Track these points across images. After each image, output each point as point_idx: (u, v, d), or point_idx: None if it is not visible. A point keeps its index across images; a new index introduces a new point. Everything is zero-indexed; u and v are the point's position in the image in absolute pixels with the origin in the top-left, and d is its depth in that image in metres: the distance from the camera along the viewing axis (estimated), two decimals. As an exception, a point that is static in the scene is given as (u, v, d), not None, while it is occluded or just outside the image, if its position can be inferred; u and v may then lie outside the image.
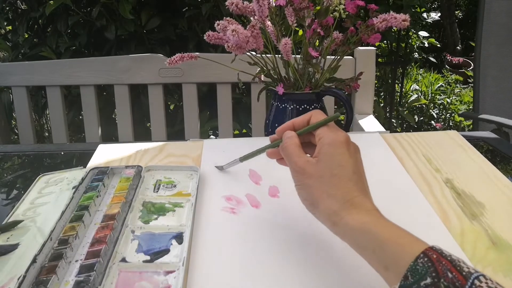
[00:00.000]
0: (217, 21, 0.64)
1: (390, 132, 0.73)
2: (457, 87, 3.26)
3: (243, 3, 0.64)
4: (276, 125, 0.71)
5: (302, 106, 0.69)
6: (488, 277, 0.28)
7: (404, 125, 2.50)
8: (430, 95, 2.92)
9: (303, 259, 0.42)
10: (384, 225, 0.34)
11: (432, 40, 2.49)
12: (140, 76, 1.12)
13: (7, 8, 1.52)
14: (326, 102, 0.74)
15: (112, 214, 0.48)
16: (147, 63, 1.11)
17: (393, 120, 2.33)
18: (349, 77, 0.70)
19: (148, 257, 0.42)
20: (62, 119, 1.16)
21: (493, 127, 1.45)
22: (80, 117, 1.49)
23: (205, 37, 0.66)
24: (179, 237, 0.45)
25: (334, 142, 0.39)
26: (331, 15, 0.66)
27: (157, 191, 0.54)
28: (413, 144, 0.68)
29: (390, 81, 2.35)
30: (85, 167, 0.61)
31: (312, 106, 0.69)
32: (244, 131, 1.52)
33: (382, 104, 2.40)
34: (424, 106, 2.73)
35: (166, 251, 0.43)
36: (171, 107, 1.70)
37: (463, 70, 3.50)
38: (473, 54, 1.72)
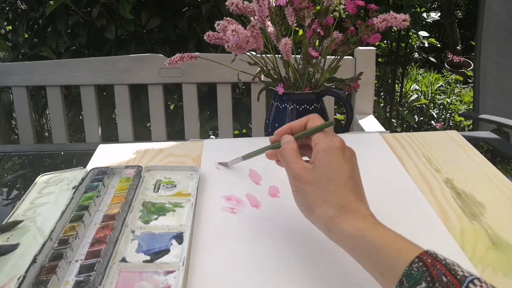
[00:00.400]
0: (217, 21, 0.64)
1: (390, 132, 0.72)
2: (457, 87, 3.26)
3: (243, 3, 0.64)
4: (276, 125, 0.71)
5: (302, 106, 0.69)
6: (482, 280, 0.28)
7: (404, 125, 2.50)
8: (430, 95, 2.92)
9: (303, 259, 0.42)
10: (379, 230, 0.35)
11: (432, 40, 2.49)
12: (140, 76, 1.12)
13: (7, 8, 1.52)
14: (326, 102, 0.74)
15: (112, 214, 0.48)
16: (147, 63, 1.11)
17: (393, 120, 2.33)
18: (349, 77, 0.70)
19: (148, 257, 0.42)
20: (62, 119, 1.16)
21: (493, 127, 1.45)
22: (80, 117, 1.49)
23: (205, 37, 0.66)
24: (179, 237, 0.45)
25: (329, 148, 0.40)
26: (331, 15, 0.66)
27: (157, 191, 0.54)
28: (413, 144, 0.68)
29: (390, 81, 2.35)
30: (85, 167, 0.61)
31: (312, 106, 0.70)
32: (244, 131, 1.52)
33: (382, 104, 2.40)
34: (424, 106, 2.73)
35: (166, 251, 0.43)
36: (171, 107, 1.70)
37: (463, 70, 3.50)
38: (473, 54, 1.72)
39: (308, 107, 0.69)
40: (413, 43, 2.35)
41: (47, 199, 0.53)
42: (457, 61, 3.66)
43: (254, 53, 0.69)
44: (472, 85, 2.16)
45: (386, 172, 0.59)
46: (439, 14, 2.17)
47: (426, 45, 2.39)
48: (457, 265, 0.30)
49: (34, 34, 1.53)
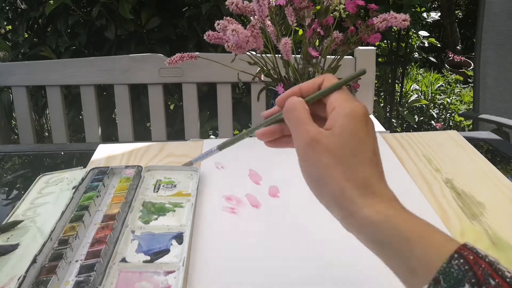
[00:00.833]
0: (217, 21, 0.64)
1: (390, 132, 0.72)
2: (457, 87, 3.26)
3: (243, 3, 0.64)
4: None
5: (302, 106, 0.69)
6: None
7: (404, 125, 2.50)
8: (430, 95, 2.92)
9: (303, 258, 0.42)
10: (409, 219, 0.29)
11: (432, 40, 2.49)
12: (140, 76, 1.12)
13: (7, 8, 1.52)
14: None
15: (112, 214, 0.48)
16: (147, 63, 1.11)
17: (393, 120, 2.33)
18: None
19: (148, 257, 0.42)
20: (62, 119, 1.16)
21: (493, 127, 1.45)
22: (80, 117, 1.49)
23: (205, 37, 0.66)
24: (179, 237, 0.45)
25: (353, 113, 0.32)
26: (331, 15, 0.66)
27: (157, 191, 0.54)
28: (413, 144, 0.68)
29: (390, 81, 2.35)
30: (85, 167, 0.61)
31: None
32: (244, 131, 1.52)
33: (382, 104, 2.40)
34: (424, 106, 2.73)
35: (166, 251, 0.43)
36: (171, 107, 1.70)
37: (463, 70, 3.50)
38: (473, 54, 1.72)
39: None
40: (413, 43, 2.35)
41: (47, 199, 0.53)
42: (457, 61, 3.66)
43: (254, 53, 0.68)
44: (472, 85, 2.16)
45: (386, 172, 0.59)
46: (439, 14, 2.17)
47: (426, 45, 2.39)
48: (500, 263, 0.25)
49: (34, 34, 1.53)
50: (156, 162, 0.63)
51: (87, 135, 1.17)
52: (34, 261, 0.40)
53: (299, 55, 0.70)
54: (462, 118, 2.67)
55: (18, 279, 0.38)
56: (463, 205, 0.51)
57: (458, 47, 4.10)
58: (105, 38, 1.38)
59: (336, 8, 0.65)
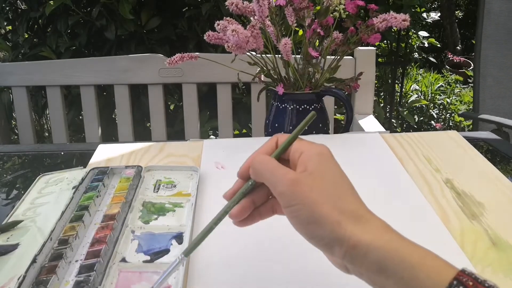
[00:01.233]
0: (217, 21, 0.64)
1: (390, 132, 0.73)
2: (457, 87, 3.26)
3: (243, 3, 0.65)
4: (276, 125, 0.71)
5: (302, 106, 0.69)
6: None
7: (404, 125, 2.50)
8: (430, 95, 2.92)
9: (303, 258, 0.42)
10: (409, 244, 0.29)
11: (432, 40, 2.49)
12: (140, 76, 1.12)
13: (7, 8, 1.52)
14: (326, 102, 0.74)
15: (112, 214, 0.48)
16: (147, 63, 1.11)
17: (393, 120, 2.33)
18: (349, 77, 0.70)
19: (148, 257, 0.42)
20: (62, 119, 1.16)
21: (493, 127, 1.45)
22: (80, 117, 1.49)
23: (205, 37, 0.66)
24: (179, 237, 0.45)
25: (321, 153, 0.33)
26: (331, 15, 0.66)
27: (157, 191, 0.54)
28: (413, 144, 0.68)
29: (390, 81, 2.35)
30: (85, 167, 0.61)
31: (312, 106, 0.70)
32: (244, 131, 1.52)
33: (382, 104, 2.40)
34: (424, 106, 2.73)
35: (166, 251, 0.43)
36: (171, 107, 1.70)
37: (463, 70, 3.50)
38: (473, 54, 1.72)
39: (308, 107, 0.69)
40: (413, 43, 2.35)
41: (47, 199, 0.53)
42: (457, 61, 3.66)
43: (254, 53, 0.69)
44: (472, 85, 2.16)
45: (386, 172, 0.59)
46: (439, 14, 2.17)
47: (426, 45, 2.39)
48: (497, 286, 0.26)
49: (34, 34, 1.53)
50: (156, 162, 0.63)
51: (87, 135, 1.17)
52: (34, 261, 0.40)
53: (299, 55, 0.70)
54: (462, 118, 2.67)
55: (18, 279, 0.38)
56: (463, 205, 0.51)
57: (458, 47, 4.10)
58: (105, 38, 1.38)
59: (336, 8, 0.66)
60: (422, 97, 2.82)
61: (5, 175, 0.67)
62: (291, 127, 0.69)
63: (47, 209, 0.51)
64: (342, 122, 1.91)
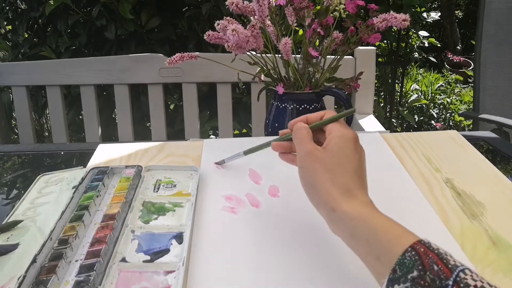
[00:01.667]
0: (217, 21, 0.64)
1: (390, 132, 0.72)
2: (457, 87, 3.26)
3: (243, 3, 0.64)
4: (276, 125, 0.71)
5: (302, 106, 0.69)
6: (473, 271, 0.29)
7: (404, 125, 2.50)
8: (430, 95, 2.92)
9: (303, 258, 0.42)
10: (379, 216, 0.35)
11: (432, 40, 2.49)
12: (140, 76, 1.12)
13: (7, 8, 1.52)
14: (326, 102, 0.74)
15: (112, 214, 0.48)
16: (147, 63, 1.11)
17: (393, 120, 2.33)
18: (349, 77, 0.70)
19: (148, 257, 0.42)
20: (62, 119, 1.16)
21: (493, 127, 1.45)
22: (80, 117, 1.49)
23: (205, 37, 0.66)
24: (179, 237, 0.45)
25: (344, 136, 0.41)
26: (331, 15, 0.66)
27: (157, 191, 0.54)
28: (413, 144, 0.68)
29: (390, 81, 2.35)
30: (85, 167, 0.61)
31: (312, 106, 0.70)
32: (244, 131, 1.52)
33: (382, 104, 2.40)
34: (424, 106, 2.73)
35: (166, 251, 0.43)
36: (171, 107, 1.70)
37: (463, 70, 3.50)
38: (473, 54, 1.72)
39: (308, 107, 0.69)
40: (413, 43, 2.35)
41: (47, 199, 0.53)
42: (457, 61, 3.66)
43: (254, 53, 0.69)
44: (472, 85, 2.16)
45: (386, 172, 0.59)
46: (439, 14, 2.17)
47: (426, 45, 2.39)
48: (450, 255, 0.30)
49: (34, 34, 1.53)
50: (156, 162, 0.63)
51: (87, 135, 1.17)
52: (34, 260, 0.40)
53: (299, 55, 0.70)
54: (462, 118, 2.67)
55: (18, 279, 0.38)
56: (463, 205, 0.51)
57: (458, 47, 4.10)
58: (105, 38, 1.38)
59: (336, 8, 0.66)
60: (422, 96, 2.83)
61: (5, 175, 0.68)
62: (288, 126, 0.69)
63: (47, 209, 0.51)
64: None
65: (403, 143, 0.68)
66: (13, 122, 1.77)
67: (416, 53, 2.37)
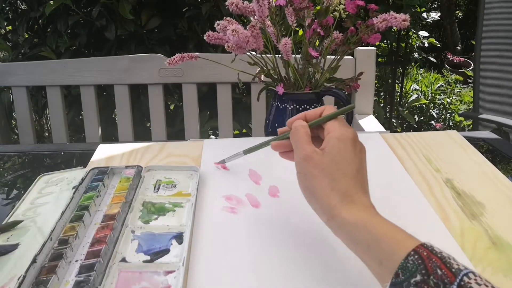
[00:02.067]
0: (217, 21, 0.64)
1: (390, 132, 0.72)
2: (457, 87, 3.26)
3: (243, 3, 0.64)
4: (276, 125, 0.71)
5: (302, 106, 0.69)
6: (477, 274, 0.28)
7: (404, 125, 2.50)
8: (430, 95, 2.92)
9: (303, 258, 0.42)
10: (379, 221, 0.35)
11: (432, 40, 2.49)
12: (140, 76, 1.12)
13: (7, 8, 1.52)
14: (326, 102, 0.74)
15: (112, 214, 0.48)
16: (147, 63, 1.11)
17: (393, 120, 2.33)
18: (349, 77, 0.70)
19: (148, 257, 0.42)
20: (62, 119, 1.16)
21: (493, 127, 1.45)
22: (80, 117, 1.49)
23: (205, 37, 0.66)
24: (179, 237, 0.45)
25: (342, 137, 0.39)
26: (331, 15, 0.66)
27: (157, 191, 0.54)
28: (413, 144, 0.68)
29: (390, 81, 2.35)
30: (85, 167, 0.61)
31: (312, 106, 0.70)
32: (244, 131, 1.52)
33: (382, 104, 2.40)
34: (424, 106, 2.73)
35: (166, 251, 0.43)
36: (171, 107, 1.70)
37: (463, 70, 3.50)
38: (473, 54, 1.72)
39: (308, 107, 0.69)
40: (413, 43, 2.35)
41: (47, 199, 0.53)
42: (457, 61, 3.66)
43: (254, 53, 0.69)
44: (472, 85, 2.16)
45: (386, 172, 0.59)
46: (439, 14, 2.17)
47: (426, 45, 2.39)
48: (453, 259, 0.30)
49: (34, 34, 1.53)
50: (156, 162, 0.63)
51: (87, 135, 1.17)
52: (34, 261, 0.40)
53: (299, 55, 0.70)
54: (462, 118, 2.67)
55: (18, 279, 0.38)
56: (463, 205, 0.51)
57: (458, 47, 4.10)
58: (105, 38, 1.38)
59: (336, 8, 0.66)
60: (422, 97, 2.83)
61: (5, 175, 0.68)
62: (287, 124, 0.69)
63: (47, 209, 0.51)
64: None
65: (403, 143, 0.68)
66: (13, 122, 1.77)
67: (416, 53, 2.37)
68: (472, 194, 0.53)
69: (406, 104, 2.58)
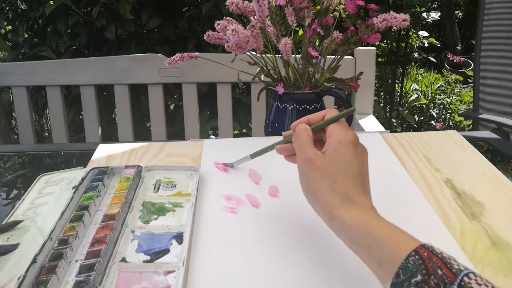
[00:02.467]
0: (217, 21, 0.64)
1: (390, 132, 0.72)
2: (457, 87, 3.26)
3: (243, 3, 0.64)
4: (276, 125, 0.71)
5: (302, 106, 0.69)
6: (477, 274, 0.29)
7: (404, 125, 2.50)
8: (430, 95, 2.92)
9: (303, 258, 0.42)
10: (380, 222, 0.35)
11: (432, 40, 2.49)
12: (140, 76, 1.12)
13: (7, 8, 1.52)
14: (326, 102, 0.74)
15: (112, 214, 0.48)
16: (147, 63, 1.11)
17: (393, 120, 2.33)
18: (349, 77, 0.70)
19: (148, 257, 0.42)
20: (62, 119, 1.16)
21: (493, 127, 1.45)
22: (80, 117, 1.49)
23: (205, 37, 0.66)
24: (179, 237, 0.45)
25: (343, 140, 0.40)
26: (331, 15, 0.66)
27: (157, 191, 0.54)
28: (413, 144, 0.68)
29: (390, 81, 2.35)
30: (85, 167, 0.61)
31: (312, 106, 0.70)
32: (244, 131, 1.52)
33: (382, 104, 2.40)
34: (424, 106, 2.73)
35: (166, 251, 0.43)
36: (171, 107, 1.70)
37: (463, 70, 3.50)
38: (473, 54, 1.72)
39: (308, 107, 0.69)
40: (413, 43, 2.35)
41: (47, 199, 0.53)
42: (457, 61, 3.66)
43: (254, 53, 0.69)
44: (472, 85, 2.16)
45: (386, 172, 0.59)
46: (439, 14, 2.17)
47: (426, 45, 2.39)
48: (453, 259, 0.30)
49: (34, 34, 1.53)
50: (156, 162, 0.63)
51: (87, 135, 1.17)
52: (34, 261, 0.40)
53: (299, 55, 0.70)
54: (462, 118, 2.67)
55: (18, 279, 0.38)
56: (463, 205, 0.51)
57: (458, 47, 4.10)
58: (105, 38, 1.38)
59: (336, 8, 0.66)
60: (422, 97, 2.83)
61: (5, 175, 0.68)
62: (291, 127, 0.69)
63: (47, 209, 0.51)
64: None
65: (403, 143, 0.68)
66: (13, 122, 1.77)
67: (416, 53, 2.37)
68: (472, 194, 0.53)
69: (406, 104, 2.58)
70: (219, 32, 0.65)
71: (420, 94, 2.88)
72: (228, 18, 0.65)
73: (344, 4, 0.65)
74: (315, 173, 0.39)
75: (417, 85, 3.07)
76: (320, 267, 0.41)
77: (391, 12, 0.61)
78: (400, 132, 0.75)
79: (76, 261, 0.41)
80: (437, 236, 0.46)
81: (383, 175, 0.58)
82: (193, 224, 0.47)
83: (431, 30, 4.08)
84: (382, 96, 2.46)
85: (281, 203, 0.52)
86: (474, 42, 1.92)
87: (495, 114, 1.51)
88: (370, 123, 1.07)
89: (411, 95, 2.80)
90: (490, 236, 0.45)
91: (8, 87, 1.28)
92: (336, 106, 1.49)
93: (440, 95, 2.96)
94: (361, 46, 0.88)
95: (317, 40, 0.69)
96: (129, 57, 1.11)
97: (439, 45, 2.76)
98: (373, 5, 0.64)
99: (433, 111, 2.74)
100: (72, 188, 0.54)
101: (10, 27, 1.59)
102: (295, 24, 0.66)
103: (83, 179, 0.55)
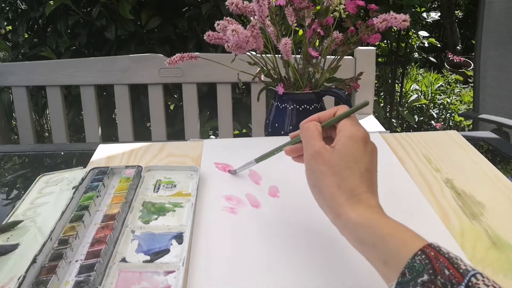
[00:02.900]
0: (217, 21, 0.64)
1: (390, 132, 0.72)
2: (457, 87, 3.26)
3: (243, 3, 0.65)
4: (276, 125, 0.71)
5: (302, 106, 0.69)
6: (485, 275, 0.28)
7: (404, 125, 2.50)
8: (430, 95, 2.92)
9: (303, 258, 0.42)
10: (386, 220, 0.35)
11: (432, 40, 2.49)
12: (140, 76, 1.12)
13: (7, 8, 1.52)
14: (326, 102, 0.74)
15: (112, 214, 0.48)
16: (147, 63, 1.11)
17: (393, 120, 2.33)
18: (349, 77, 0.70)
19: (148, 257, 0.42)
20: (62, 119, 1.16)
21: (493, 127, 1.45)
22: (80, 117, 1.49)
23: (205, 37, 0.66)
24: (179, 237, 0.45)
25: (353, 136, 0.39)
26: (331, 15, 0.66)
27: (157, 191, 0.54)
28: (413, 144, 0.68)
29: (390, 81, 2.35)
30: (85, 167, 0.61)
31: (312, 106, 0.70)
32: (244, 131, 1.52)
33: (382, 104, 2.40)
34: (424, 106, 2.73)
35: (166, 251, 0.43)
36: (171, 107, 1.70)
37: (463, 70, 3.50)
38: (473, 54, 1.72)
39: (308, 107, 0.69)
40: (413, 43, 2.35)
41: (47, 199, 0.53)
42: (457, 61, 3.66)
43: (254, 53, 0.69)
44: (472, 85, 2.16)
45: (386, 172, 0.59)
46: (439, 14, 2.17)
47: (426, 45, 2.39)
48: (460, 259, 0.30)
49: (34, 34, 1.53)
50: (156, 162, 0.63)
51: (87, 135, 1.17)
52: (34, 261, 0.40)
53: (299, 55, 0.70)
54: (462, 118, 2.67)
55: (18, 279, 0.38)
56: (463, 205, 0.51)
57: (458, 47, 4.10)
58: (105, 38, 1.38)
59: (336, 8, 0.66)
60: (422, 97, 2.83)
61: (5, 175, 0.68)
62: (291, 127, 0.69)
63: (47, 209, 0.51)
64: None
65: (403, 143, 0.68)
66: (13, 122, 1.77)
67: (416, 53, 2.37)
68: (472, 194, 0.53)
69: (406, 104, 2.58)
70: (219, 32, 0.65)
71: (420, 94, 2.88)
72: (228, 18, 0.65)
73: (344, 4, 0.65)
74: (322, 167, 0.38)
75: (417, 85, 3.07)
76: (320, 267, 0.41)
77: (391, 12, 0.61)
78: (400, 132, 0.75)
79: (76, 261, 0.41)
80: (437, 236, 0.45)
81: (383, 175, 0.58)
82: (193, 224, 0.47)
83: (431, 30, 4.08)
84: (382, 96, 2.46)
85: (281, 203, 0.52)
86: (474, 42, 1.92)
87: (495, 114, 1.51)
88: (370, 123, 1.07)
89: (411, 95, 2.80)
90: (490, 236, 0.45)
91: (8, 87, 1.28)
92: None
93: (440, 95, 2.97)
94: (361, 46, 0.88)
95: (317, 40, 0.69)
96: (129, 57, 1.11)
97: (439, 45, 2.76)
98: (373, 5, 0.64)
99: (433, 111, 2.74)
100: (72, 188, 0.54)
101: (10, 27, 1.59)
102: (295, 24, 0.66)
103: (83, 179, 0.55)
